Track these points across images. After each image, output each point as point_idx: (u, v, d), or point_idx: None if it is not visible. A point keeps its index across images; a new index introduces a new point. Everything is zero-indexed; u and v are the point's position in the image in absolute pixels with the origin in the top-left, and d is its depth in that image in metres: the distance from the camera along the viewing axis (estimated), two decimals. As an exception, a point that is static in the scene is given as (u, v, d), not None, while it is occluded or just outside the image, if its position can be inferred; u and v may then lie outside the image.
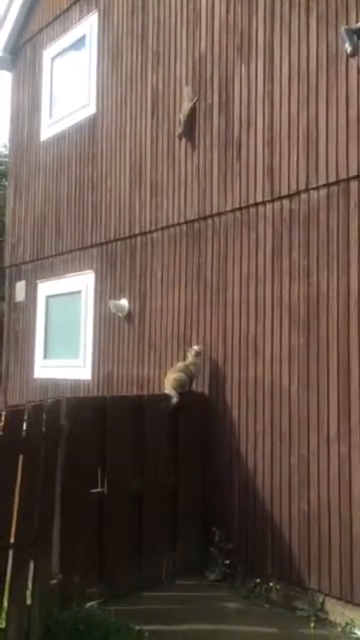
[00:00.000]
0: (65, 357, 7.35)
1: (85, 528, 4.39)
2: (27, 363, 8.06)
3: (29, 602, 3.62)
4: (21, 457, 3.54)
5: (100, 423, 4.59)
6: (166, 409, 5.04)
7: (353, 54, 3.63)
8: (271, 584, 4.54)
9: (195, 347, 5.34)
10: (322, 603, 4.26)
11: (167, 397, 5.14)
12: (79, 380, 6.95)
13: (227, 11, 5.53)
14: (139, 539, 4.75)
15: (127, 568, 4.62)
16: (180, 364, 5.39)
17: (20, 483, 3.50)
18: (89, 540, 4.42)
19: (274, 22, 5.06)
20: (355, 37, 3.58)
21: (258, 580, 4.60)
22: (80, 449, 4.35)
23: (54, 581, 4.04)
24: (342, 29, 3.67)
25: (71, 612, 3.90)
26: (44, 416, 3.87)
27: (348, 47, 3.57)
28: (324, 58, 4.62)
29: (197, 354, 5.29)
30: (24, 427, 3.61)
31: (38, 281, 8.02)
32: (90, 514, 4.44)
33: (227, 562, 4.83)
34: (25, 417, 3.62)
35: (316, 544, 4.35)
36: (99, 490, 4.53)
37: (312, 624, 3.99)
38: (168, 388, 5.21)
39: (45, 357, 7.78)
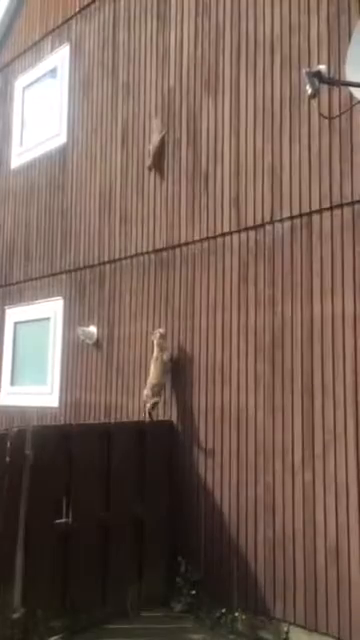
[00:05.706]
0: (32, 384, 7.28)
1: (49, 559, 4.32)
2: (-7, 390, 7.96)
3: (-11, 637, 3.55)
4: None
5: (66, 452, 4.55)
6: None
7: (314, 95, 3.76)
8: (236, 614, 4.52)
9: (160, 330, 5.46)
10: (287, 632, 4.26)
11: (134, 424, 5.12)
12: (46, 407, 6.88)
13: (195, 47, 5.72)
14: (105, 570, 4.68)
15: (92, 600, 4.55)
16: (155, 368, 5.39)
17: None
18: (53, 571, 4.35)
19: (240, 60, 5.25)
20: (316, 80, 3.71)
21: (224, 610, 4.58)
22: (45, 478, 4.30)
23: (16, 615, 3.96)
24: (303, 71, 3.81)
25: (33, 647, 3.83)
26: (8, 445, 3.84)
27: (309, 89, 3.69)
28: (287, 97, 4.81)
29: (161, 336, 5.41)
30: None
31: (6, 307, 7.97)
32: (54, 545, 4.38)
33: (193, 592, 4.80)
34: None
35: (281, 572, 4.36)
36: (64, 520, 4.48)
37: (277, 654, 3.99)
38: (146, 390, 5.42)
39: (12, 384, 7.69)
